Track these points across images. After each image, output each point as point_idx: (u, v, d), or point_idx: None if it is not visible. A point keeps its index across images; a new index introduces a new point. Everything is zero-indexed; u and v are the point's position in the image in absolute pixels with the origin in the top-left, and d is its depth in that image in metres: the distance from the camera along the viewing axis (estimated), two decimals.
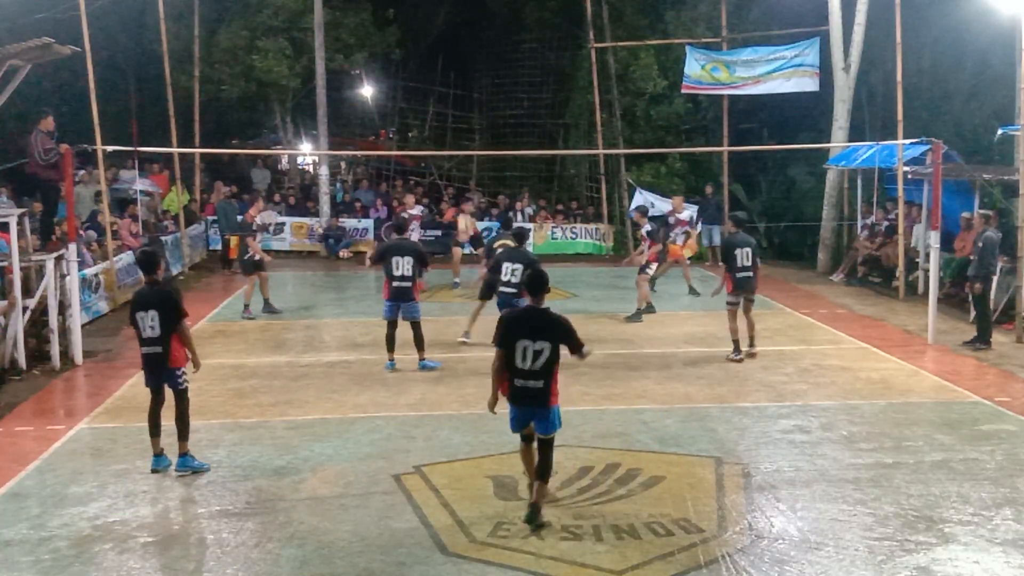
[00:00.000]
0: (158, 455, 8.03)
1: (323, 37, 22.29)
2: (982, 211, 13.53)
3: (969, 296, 13.61)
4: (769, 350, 12.37)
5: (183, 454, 7.94)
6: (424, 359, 11.38)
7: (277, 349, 12.69)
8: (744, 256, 11.92)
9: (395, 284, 11.24)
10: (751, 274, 12.03)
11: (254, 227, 14.83)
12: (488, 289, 11.99)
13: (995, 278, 13.52)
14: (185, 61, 21.23)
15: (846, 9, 19.24)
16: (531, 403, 6.87)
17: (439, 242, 20.90)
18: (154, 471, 7.92)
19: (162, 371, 7.99)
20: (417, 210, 17.66)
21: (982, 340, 12.63)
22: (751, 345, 12.05)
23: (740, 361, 11.79)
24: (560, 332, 6.87)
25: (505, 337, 6.89)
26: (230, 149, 26.55)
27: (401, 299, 11.26)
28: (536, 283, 7.02)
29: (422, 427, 9.08)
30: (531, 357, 6.76)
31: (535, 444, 6.98)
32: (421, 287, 11.47)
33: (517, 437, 8.80)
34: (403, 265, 11.16)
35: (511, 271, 10.95)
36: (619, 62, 23.24)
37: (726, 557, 6.38)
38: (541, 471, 6.90)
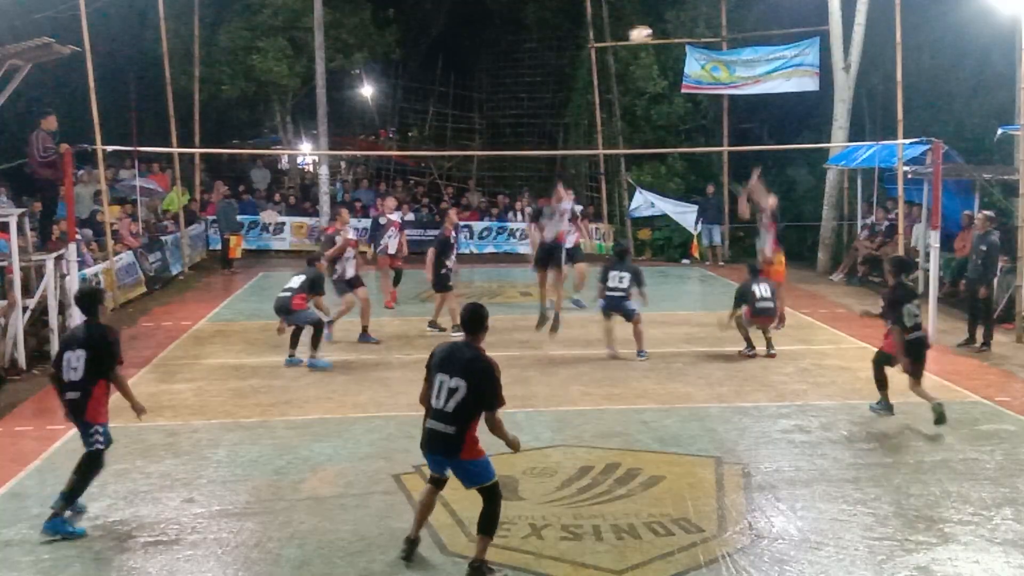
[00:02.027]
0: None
1: (323, 37, 22.26)
2: (987, 212, 13.50)
3: (967, 296, 13.59)
4: None
5: (56, 515, 6.70)
6: (292, 355, 11.81)
7: (277, 349, 12.66)
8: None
9: (279, 294, 11.95)
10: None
11: (336, 239, 13.07)
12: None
13: (995, 279, 13.51)
14: (185, 61, 21.24)
15: (846, 9, 19.24)
16: (439, 450, 6.10)
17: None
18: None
19: (78, 422, 7.01)
20: (396, 216, 16.26)
21: (981, 342, 12.65)
22: (769, 346, 12.29)
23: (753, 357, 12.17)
24: (482, 376, 5.98)
25: (428, 368, 6.22)
26: (230, 149, 26.56)
27: (282, 312, 11.75)
28: (473, 319, 6.19)
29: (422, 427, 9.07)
30: (445, 395, 5.99)
31: (439, 492, 6.38)
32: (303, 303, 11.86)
33: (533, 434, 8.82)
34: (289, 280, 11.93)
35: (619, 279, 12.09)
36: (619, 62, 23.24)
37: (726, 557, 6.38)
38: (484, 526, 6.05)
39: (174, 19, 20.78)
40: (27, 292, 11.72)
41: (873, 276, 18.35)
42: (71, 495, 6.82)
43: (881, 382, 9.53)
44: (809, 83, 20.33)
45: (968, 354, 12.41)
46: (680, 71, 21.45)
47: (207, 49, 22.27)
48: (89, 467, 6.93)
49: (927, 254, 15.22)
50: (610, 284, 12.11)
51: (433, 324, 13.68)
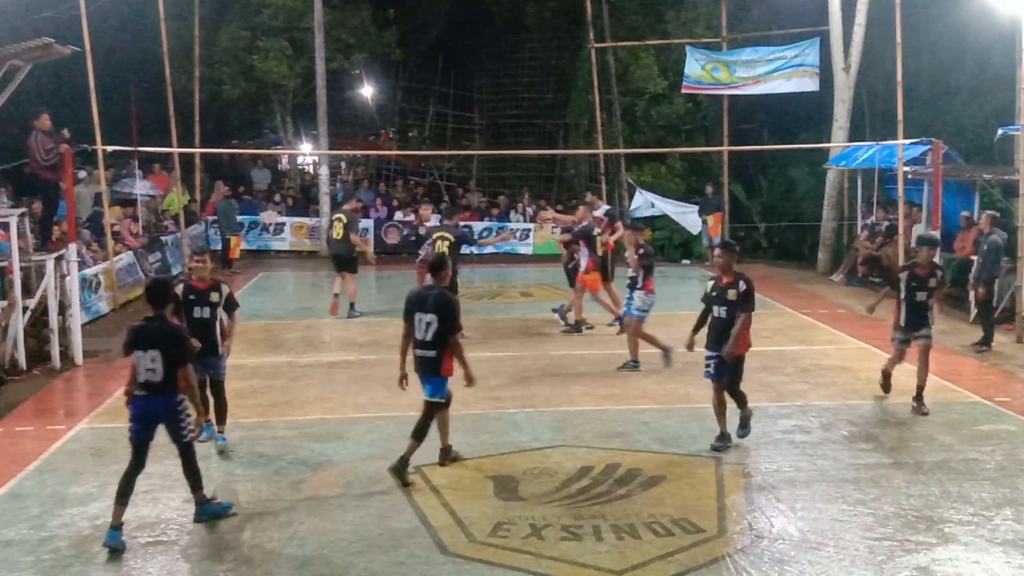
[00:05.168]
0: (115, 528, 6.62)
1: (323, 37, 22.29)
2: (990, 212, 13.50)
3: (972, 298, 13.60)
4: (769, 350, 12.35)
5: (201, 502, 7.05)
6: (222, 432, 8.83)
7: (277, 349, 12.69)
8: None
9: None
10: None
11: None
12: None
13: (996, 280, 13.51)
14: (185, 61, 21.21)
15: (846, 9, 19.24)
16: (425, 371, 7.79)
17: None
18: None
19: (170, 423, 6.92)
20: (435, 221, 15.36)
21: (985, 343, 12.65)
22: None
23: None
24: (443, 308, 7.70)
25: (407, 311, 7.88)
26: (230, 149, 26.55)
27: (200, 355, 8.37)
28: (435, 265, 8.03)
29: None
30: (423, 328, 7.68)
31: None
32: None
33: (518, 438, 8.94)
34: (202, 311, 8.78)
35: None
36: (619, 62, 23.24)
37: (726, 557, 6.38)
38: (416, 430, 7.79)
39: (174, 19, 20.74)
40: (27, 292, 11.72)
41: (873, 277, 18.35)
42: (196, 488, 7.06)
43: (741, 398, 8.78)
44: (809, 83, 20.28)
45: (968, 354, 12.40)
46: (680, 71, 21.40)
47: (207, 49, 22.23)
48: (189, 459, 7.01)
49: None
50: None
51: None
